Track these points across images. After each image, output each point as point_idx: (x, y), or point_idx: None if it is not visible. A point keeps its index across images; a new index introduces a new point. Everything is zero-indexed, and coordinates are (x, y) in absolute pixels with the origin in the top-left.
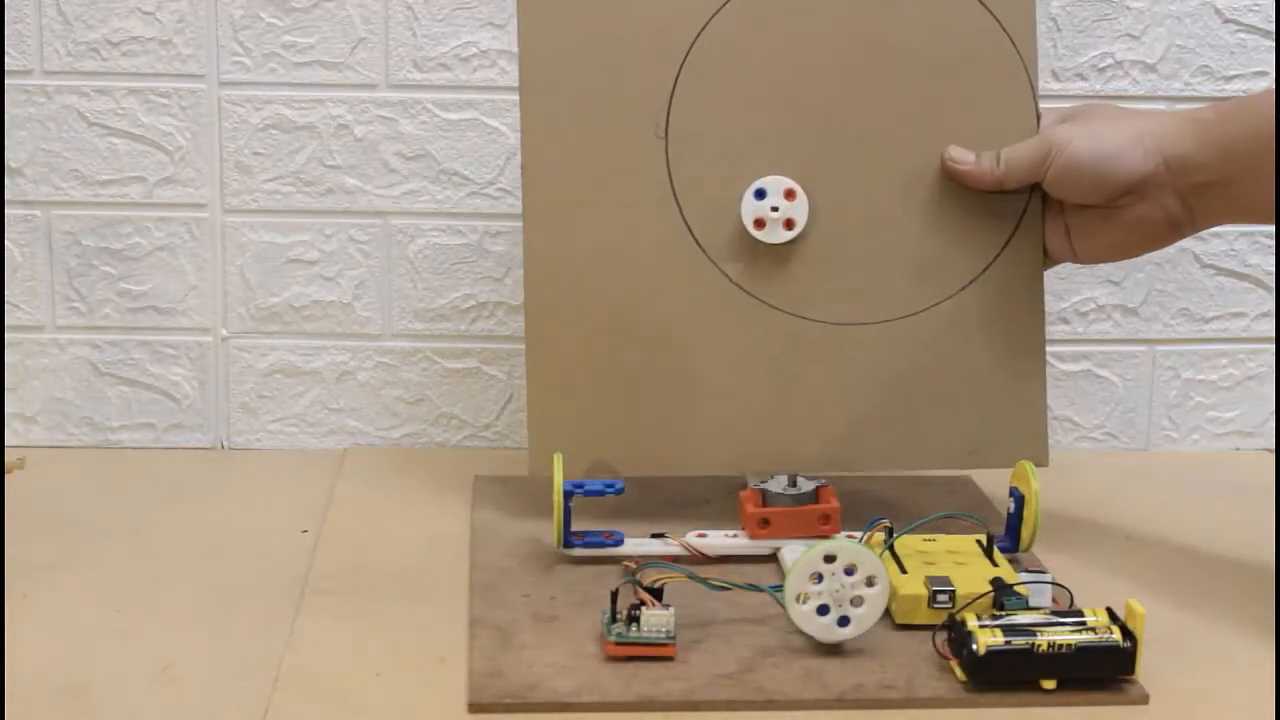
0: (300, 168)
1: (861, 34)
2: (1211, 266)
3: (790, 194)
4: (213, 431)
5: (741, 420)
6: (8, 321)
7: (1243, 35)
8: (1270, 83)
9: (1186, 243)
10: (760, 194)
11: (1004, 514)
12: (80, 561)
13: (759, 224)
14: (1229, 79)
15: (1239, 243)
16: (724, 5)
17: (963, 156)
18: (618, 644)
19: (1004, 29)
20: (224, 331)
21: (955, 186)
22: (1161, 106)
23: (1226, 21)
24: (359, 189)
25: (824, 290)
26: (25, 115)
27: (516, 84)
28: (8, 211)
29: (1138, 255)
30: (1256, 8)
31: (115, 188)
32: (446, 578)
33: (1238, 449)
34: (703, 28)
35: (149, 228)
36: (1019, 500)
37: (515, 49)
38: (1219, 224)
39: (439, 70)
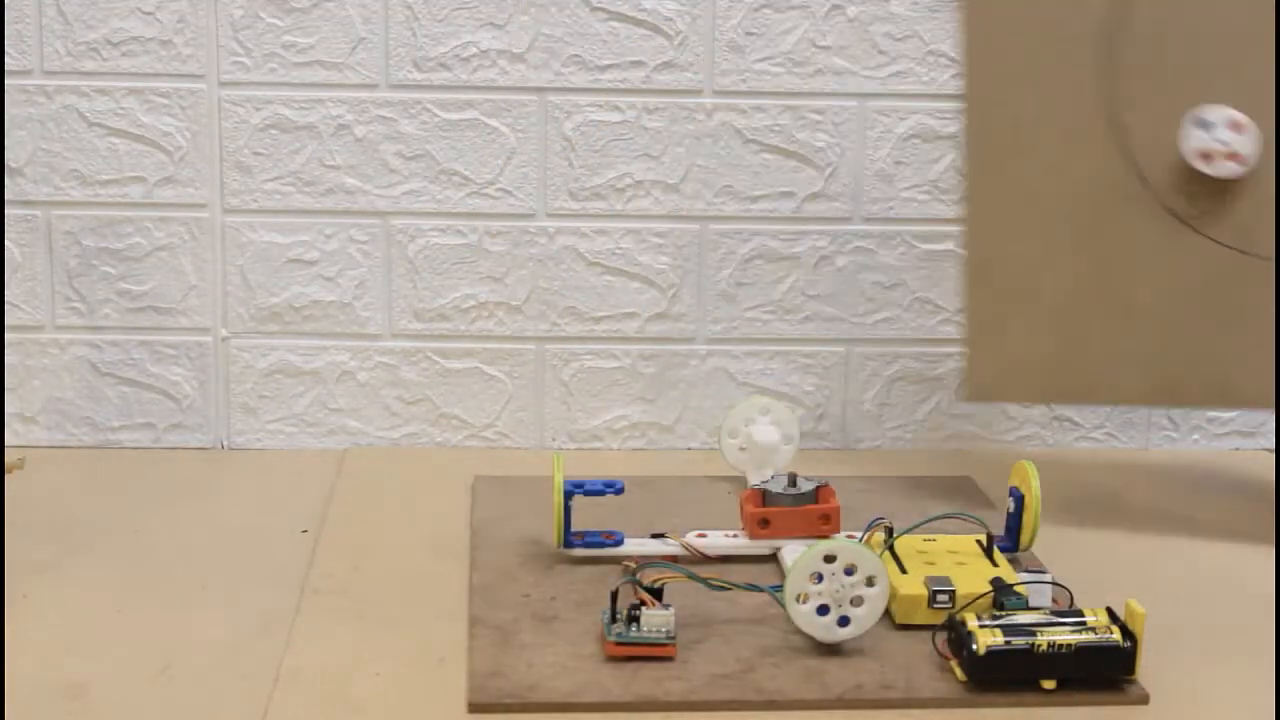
0: (300, 168)
1: None
2: None
3: (1238, 126)
4: (213, 431)
5: (1175, 351)
6: (8, 321)
7: None
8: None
9: None
10: (1205, 125)
11: (1004, 514)
12: (80, 561)
13: (1205, 157)
14: None
15: None
16: None
17: None
18: (618, 644)
19: None
20: (224, 331)
21: None
22: None
23: None
24: (359, 189)
25: (1266, 224)
26: (25, 115)
27: (516, 84)
28: (8, 211)
29: None
30: None
31: (115, 188)
32: (446, 578)
33: (1238, 449)
34: None
35: (149, 228)
36: (1019, 500)
37: (514, 49)
38: None
39: (439, 70)
